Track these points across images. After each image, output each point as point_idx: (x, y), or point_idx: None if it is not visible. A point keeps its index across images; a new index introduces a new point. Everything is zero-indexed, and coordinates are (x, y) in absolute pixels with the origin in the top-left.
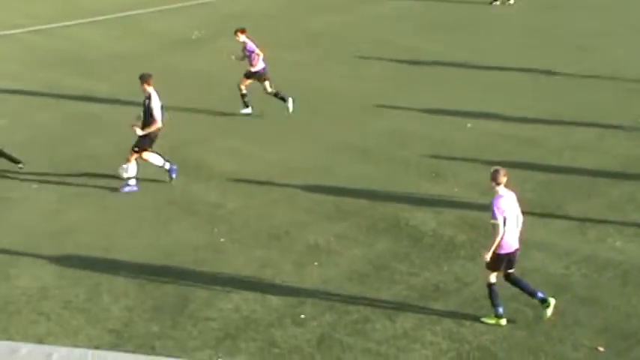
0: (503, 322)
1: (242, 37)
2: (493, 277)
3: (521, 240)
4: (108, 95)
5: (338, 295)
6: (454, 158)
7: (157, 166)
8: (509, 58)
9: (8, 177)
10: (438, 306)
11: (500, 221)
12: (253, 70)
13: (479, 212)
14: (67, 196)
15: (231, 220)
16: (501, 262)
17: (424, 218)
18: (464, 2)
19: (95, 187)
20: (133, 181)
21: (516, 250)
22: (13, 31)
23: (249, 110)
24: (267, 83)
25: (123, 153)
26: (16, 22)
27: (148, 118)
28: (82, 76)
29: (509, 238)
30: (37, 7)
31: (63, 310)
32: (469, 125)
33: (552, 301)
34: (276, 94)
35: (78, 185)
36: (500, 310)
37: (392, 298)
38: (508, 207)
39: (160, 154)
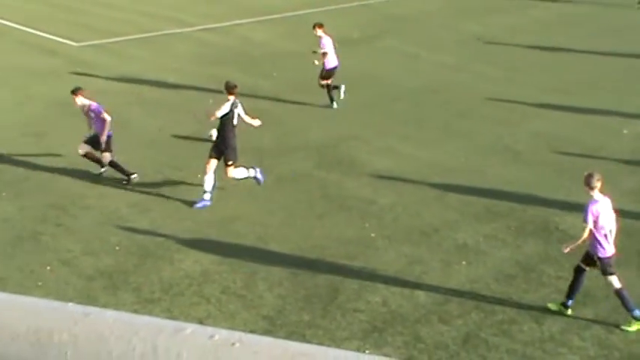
0: None
1: (319, 32)
2: (616, 282)
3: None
4: (270, 91)
5: (484, 295)
6: (608, 164)
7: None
8: None
9: (177, 168)
10: (587, 311)
11: (590, 225)
12: (327, 67)
13: (632, 220)
14: (229, 186)
15: (382, 216)
16: (611, 264)
17: (574, 222)
18: (630, 7)
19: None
20: (208, 195)
21: (612, 255)
22: (186, 29)
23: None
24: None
25: (285, 147)
26: (190, 20)
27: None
28: (247, 73)
29: (606, 243)
30: (209, 8)
31: (221, 295)
32: (625, 131)
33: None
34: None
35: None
36: (637, 312)
37: (539, 301)
38: (603, 212)
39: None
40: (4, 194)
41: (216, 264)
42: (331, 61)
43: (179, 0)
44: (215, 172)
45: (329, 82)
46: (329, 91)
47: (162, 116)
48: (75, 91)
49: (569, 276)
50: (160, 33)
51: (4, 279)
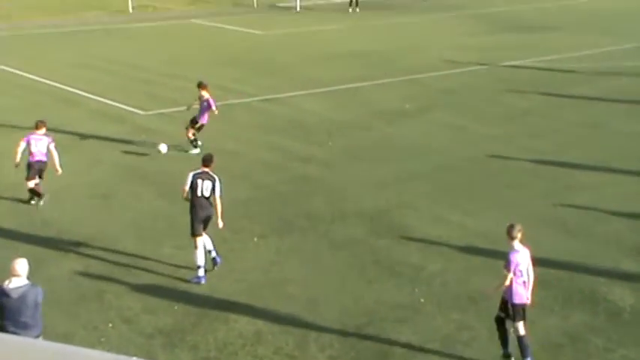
0: None
1: (203, 92)
2: (522, 329)
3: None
4: (324, 159)
5: None
6: None
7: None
8: None
9: (235, 231)
10: None
11: (511, 274)
12: (201, 121)
13: None
14: (283, 250)
15: (431, 282)
16: (521, 310)
17: (622, 294)
18: None
19: (309, 243)
20: (201, 271)
21: (526, 303)
22: (246, 100)
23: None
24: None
25: (338, 213)
26: (250, 91)
27: None
28: (302, 141)
29: (521, 290)
30: (268, 80)
31: (274, 355)
32: None
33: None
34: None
35: (294, 241)
36: None
37: None
38: (522, 262)
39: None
40: (71, 253)
41: (269, 325)
42: (206, 118)
43: (240, 72)
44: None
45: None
46: (193, 140)
47: (224, 181)
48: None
49: (616, 348)
50: (221, 103)
51: (69, 335)
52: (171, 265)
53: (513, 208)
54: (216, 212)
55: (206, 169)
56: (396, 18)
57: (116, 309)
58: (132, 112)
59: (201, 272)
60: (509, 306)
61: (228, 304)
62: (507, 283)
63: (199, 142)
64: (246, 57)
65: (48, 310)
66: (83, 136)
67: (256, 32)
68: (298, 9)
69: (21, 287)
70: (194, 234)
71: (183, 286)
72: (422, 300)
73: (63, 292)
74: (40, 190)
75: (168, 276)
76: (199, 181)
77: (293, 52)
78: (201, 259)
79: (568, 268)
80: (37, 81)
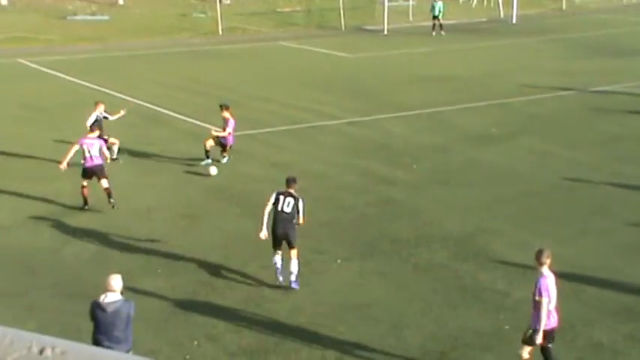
0: None
1: (225, 114)
2: (526, 353)
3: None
4: (409, 183)
5: None
6: None
7: None
8: None
9: (318, 253)
10: None
11: (546, 299)
12: (227, 143)
13: None
14: (366, 273)
15: (517, 309)
16: (538, 337)
17: None
18: None
19: (392, 267)
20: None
21: (556, 326)
22: (332, 122)
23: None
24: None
25: (422, 237)
26: (336, 114)
27: None
28: (387, 164)
29: (552, 315)
30: (353, 103)
31: None
32: None
33: None
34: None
35: (377, 264)
36: None
37: None
38: (552, 287)
39: None
40: (159, 271)
41: (352, 348)
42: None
43: (325, 96)
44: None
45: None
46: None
47: (309, 203)
48: None
49: None
50: (307, 125)
51: (156, 351)
52: (255, 284)
53: (601, 235)
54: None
55: (290, 190)
56: (483, 42)
57: (201, 327)
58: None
59: (278, 268)
60: (533, 330)
61: (312, 325)
62: (545, 309)
63: (210, 159)
64: (333, 79)
65: (135, 326)
66: (172, 156)
67: (343, 55)
68: (386, 32)
69: (115, 302)
70: (273, 248)
71: (267, 306)
72: (507, 327)
73: (150, 308)
74: (87, 194)
75: (253, 295)
76: (282, 197)
77: (379, 75)
78: (278, 261)
79: None
80: (127, 101)
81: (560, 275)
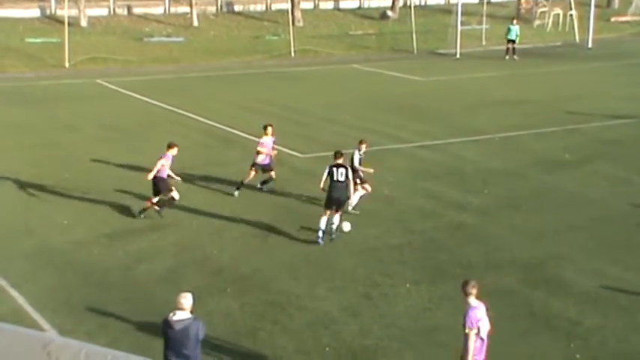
0: None
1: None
2: None
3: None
4: (480, 207)
5: None
6: None
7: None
8: None
9: (388, 276)
10: None
11: (474, 330)
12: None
13: None
14: (435, 297)
15: (588, 338)
16: None
17: None
18: None
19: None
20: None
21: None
22: (402, 145)
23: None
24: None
25: (492, 263)
26: (406, 137)
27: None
28: (458, 188)
29: (482, 346)
30: (424, 126)
31: None
32: None
33: None
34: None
35: (447, 289)
36: None
37: None
38: (481, 317)
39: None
40: (228, 290)
41: None
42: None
43: (397, 119)
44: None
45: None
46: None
47: (377, 226)
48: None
49: None
50: (378, 148)
51: None
52: (324, 306)
53: None
54: (349, 190)
55: (339, 161)
56: (557, 66)
57: (269, 348)
58: (290, 154)
59: (320, 234)
60: None
61: (379, 348)
62: (472, 340)
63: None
64: (405, 103)
65: (203, 345)
66: (239, 176)
67: (415, 78)
68: (458, 56)
69: (184, 320)
70: (325, 208)
71: (335, 328)
72: (578, 356)
73: (218, 327)
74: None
75: (322, 317)
76: (334, 169)
77: (451, 99)
78: (322, 224)
79: None
80: (200, 121)
81: (633, 305)
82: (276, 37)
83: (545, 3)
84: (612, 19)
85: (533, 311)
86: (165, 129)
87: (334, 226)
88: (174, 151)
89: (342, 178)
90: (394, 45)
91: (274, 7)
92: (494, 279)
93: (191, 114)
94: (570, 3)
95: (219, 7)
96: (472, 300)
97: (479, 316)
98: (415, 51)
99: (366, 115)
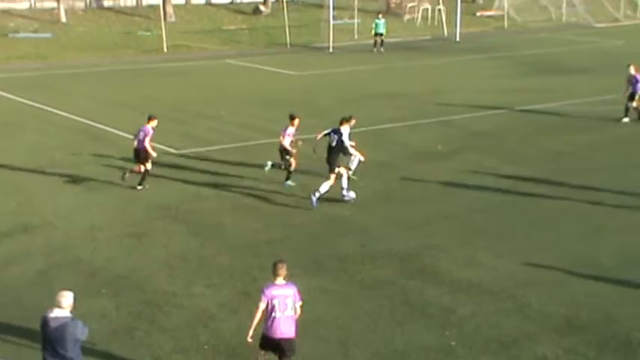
0: None
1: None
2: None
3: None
4: (356, 200)
5: None
6: None
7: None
8: None
9: (266, 271)
10: None
11: (262, 304)
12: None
13: None
14: (313, 291)
15: (462, 325)
16: (266, 344)
17: None
18: None
19: (339, 284)
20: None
21: (283, 338)
22: (275, 140)
23: None
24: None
25: (368, 255)
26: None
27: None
28: None
29: (276, 325)
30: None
31: None
32: None
33: None
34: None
35: (324, 282)
36: None
37: None
38: (278, 296)
39: None
40: (103, 291)
41: None
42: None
43: (272, 113)
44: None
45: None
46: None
47: (255, 221)
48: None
49: None
50: (254, 142)
51: None
52: (202, 303)
53: (547, 250)
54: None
55: (340, 127)
56: (427, 59)
57: (147, 347)
58: (165, 150)
59: (315, 196)
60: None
61: (257, 342)
62: (259, 315)
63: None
64: (280, 97)
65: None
66: (116, 175)
67: (290, 73)
68: (331, 50)
69: (60, 318)
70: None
71: (213, 325)
72: (453, 343)
73: (94, 329)
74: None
75: (199, 315)
76: (331, 134)
77: (325, 93)
78: (323, 189)
79: (602, 313)
80: (69, 118)
81: (504, 292)
82: (148, 33)
83: None
84: (478, 14)
85: (410, 301)
86: (32, 127)
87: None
88: (154, 123)
89: (333, 144)
90: (268, 40)
91: (145, 2)
92: (371, 270)
93: (61, 111)
94: None
95: (87, 2)
96: (278, 280)
97: (274, 294)
98: (289, 45)
99: (241, 110)
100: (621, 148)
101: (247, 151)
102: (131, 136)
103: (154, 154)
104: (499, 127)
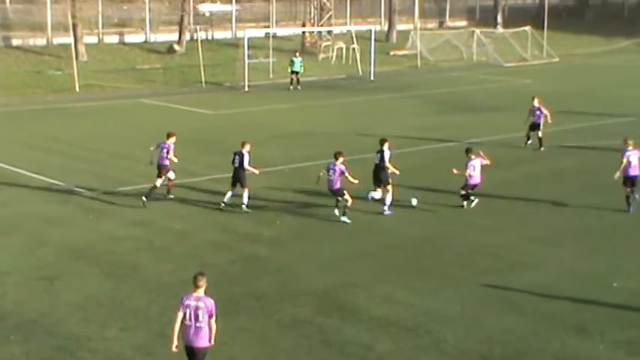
0: None
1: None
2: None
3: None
4: (272, 239)
5: None
6: (598, 314)
7: None
8: None
9: None
10: None
11: (180, 314)
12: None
13: None
14: (231, 331)
15: None
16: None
17: None
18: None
19: (257, 323)
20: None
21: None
22: (194, 179)
23: None
24: None
25: (287, 292)
26: (196, 171)
27: None
28: (251, 221)
29: (188, 330)
30: (217, 159)
31: None
32: (615, 284)
33: None
34: None
35: (242, 321)
36: None
37: None
38: (189, 304)
39: None
40: (12, 337)
41: None
42: None
43: (188, 153)
44: None
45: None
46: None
47: (171, 261)
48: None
49: None
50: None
51: None
52: (116, 347)
53: (460, 286)
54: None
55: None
56: (343, 98)
57: None
58: (78, 192)
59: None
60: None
61: None
62: (177, 323)
63: None
64: (195, 136)
65: None
66: (27, 217)
67: (205, 112)
68: (247, 89)
69: None
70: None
71: None
72: None
73: None
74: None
75: (114, 358)
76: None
77: (241, 132)
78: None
79: (516, 348)
80: None
81: (421, 328)
82: (59, 72)
83: (328, 37)
84: (391, 53)
85: (328, 339)
86: None
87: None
88: (173, 139)
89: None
90: (182, 79)
91: (56, 41)
92: (288, 309)
93: None
94: (352, 37)
95: None
96: (198, 292)
97: (186, 303)
98: (204, 84)
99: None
100: (533, 184)
101: (162, 191)
102: (41, 177)
103: (175, 160)
104: (415, 165)
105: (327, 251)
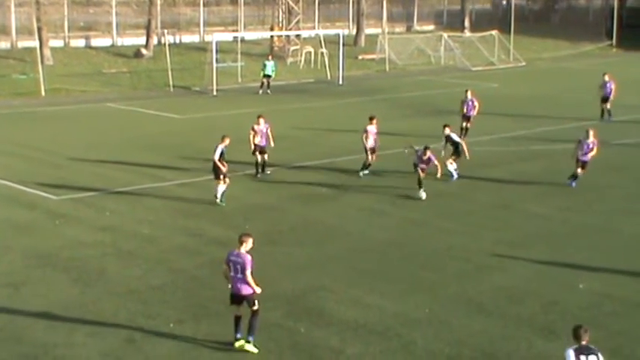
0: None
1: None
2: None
3: None
4: None
5: None
6: (565, 318)
7: None
8: None
9: (150, 317)
10: None
11: (225, 267)
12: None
13: None
14: (200, 335)
15: None
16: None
17: None
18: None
19: (226, 328)
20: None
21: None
22: (161, 184)
23: None
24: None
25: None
26: (164, 176)
27: None
28: (219, 225)
29: (232, 281)
30: (185, 164)
31: None
32: (581, 286)
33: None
34: None
35: (211, 326)
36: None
37: None
38: (232, 259)
39: None
40: None
41: None
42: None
43: (155, 157)
44: None
45: None
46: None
47: (139, 266)
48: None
49: None
50: (137, 187)
51: None
52: (83, 352)
53: (430, 289)
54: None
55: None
56: (311, 102)
57: None
58: (44, 197)
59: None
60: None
61: None
62: (225, 274)
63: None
64: (162, 141)
65: None
66: None
67: (173, 116)
68: (215, 93)
69: None
70: None
71: None
72: None
73: None
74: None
75: None
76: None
77: (209, 136)
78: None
79: (484, 350)
80: None
81: (390, 331)
82: (24, 76)
83: (297, 41)
84: (360, 57)
85: (297, 343)
86: None
87: None
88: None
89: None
90: (150, 83)
91: (20, 44)
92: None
93: None
94: (321, 41)
95: None
96: (240, 248)
97: (228, 258)
98: (172, 89)
99: (123, 154)
100: (500, 188)
101: (128, 195)
102: (6, 182)
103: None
104: (384, 168)
105: (296, 255)
